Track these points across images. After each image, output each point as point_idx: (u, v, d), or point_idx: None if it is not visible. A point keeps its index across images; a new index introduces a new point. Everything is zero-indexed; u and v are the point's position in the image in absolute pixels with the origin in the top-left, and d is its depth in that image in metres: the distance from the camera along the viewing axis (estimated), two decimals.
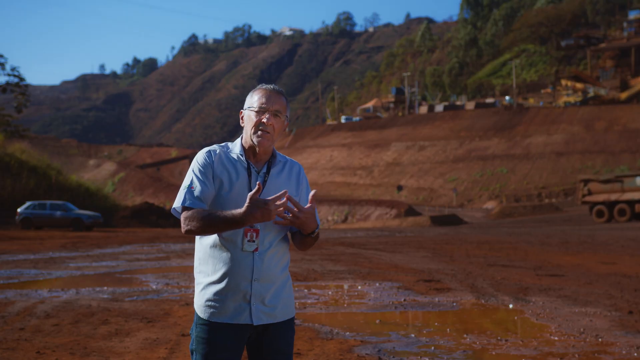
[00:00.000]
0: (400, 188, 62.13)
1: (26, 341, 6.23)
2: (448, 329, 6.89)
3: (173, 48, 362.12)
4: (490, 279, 10.88)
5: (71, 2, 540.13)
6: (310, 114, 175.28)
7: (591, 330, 6.74)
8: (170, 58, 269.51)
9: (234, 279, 2.61)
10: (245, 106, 2.73)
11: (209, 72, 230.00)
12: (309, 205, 2.61)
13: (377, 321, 7.33)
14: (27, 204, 28.89)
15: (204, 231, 2.57)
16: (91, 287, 10.19)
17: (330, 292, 9.59)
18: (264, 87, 2.74)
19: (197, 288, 2.70)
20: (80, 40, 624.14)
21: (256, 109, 2.67)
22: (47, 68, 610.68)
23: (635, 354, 5.73)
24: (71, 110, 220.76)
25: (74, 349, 5.93)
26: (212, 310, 2.63)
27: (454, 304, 8.50)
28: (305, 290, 9.70)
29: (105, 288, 10.09)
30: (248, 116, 2.70)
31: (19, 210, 28.76)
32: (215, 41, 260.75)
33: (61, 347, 6.01)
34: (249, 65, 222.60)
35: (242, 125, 2.73)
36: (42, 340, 6.26)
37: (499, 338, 6.40)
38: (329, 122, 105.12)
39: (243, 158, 2.69)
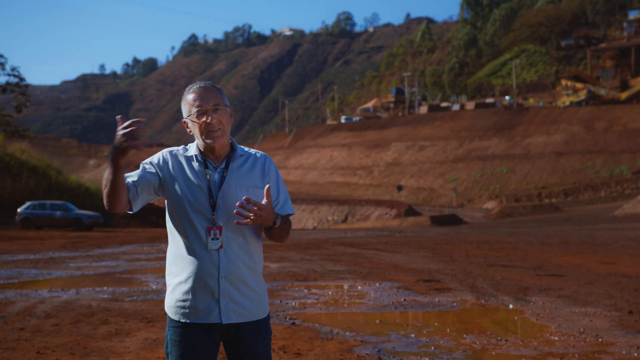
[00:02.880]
0: (400, 188, 62.15)
1: (26, 341, 6.23)
2: (448, 329, 6.89)
3: (173, 48, 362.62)
4: (490, 279, 10.87)
5: (71, 2, 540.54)
6: (310, 114, 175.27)
7: (591, 330, 6.74)
8: (170, 58, 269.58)
9: (200, 278, 2.60)
10: (184, 115, 2.69)
11: (209, 72, 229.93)
12: (265, 200, 2.59)
13: (377, 321, 7.34)
14: (27, 204, 28.85)
15: (109, 196, 2.52)
16: (91, 287, 10.18)
17: (330, 292, 9.58)
18: (191, 89, 2.70)
19: (168, 290, 2.70)
20: (80, 40, 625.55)
21: (196, 114, 2.64)
22: (47, 68, 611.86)
23: (635, 354, 5.73)
24: (71, 110, 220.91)
25: (74, 349, 5.93)
26: (182, 310, 2.63)
27: (454, 304, 8.50)
28: (305, 290, 9.70)
29: (105, 288, 10.08)
30: (192, 124, 2.67)
31: (19, 210, 28.73)
32: (215, 41, 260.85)
33: (61, 347, 6.01)
34: (249, 65, 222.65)
35: (190, 133, 2.70)
36: (42, 340, 6.26)
37: (499, 338, 6.40)
38: (329, 122, 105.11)
39: (200, 157, 2.67)
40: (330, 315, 7.77)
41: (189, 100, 2.67)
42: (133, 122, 2.42)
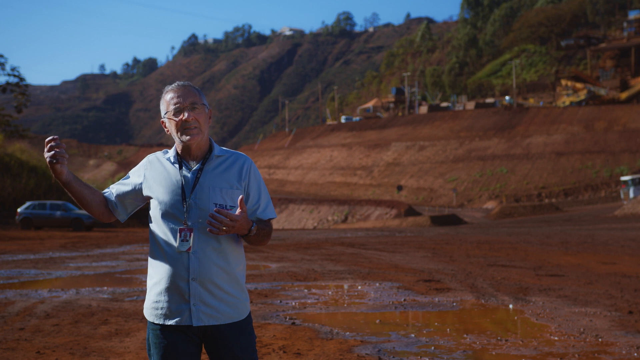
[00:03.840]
0: (400, 188, 62.14)
1: (26, 341, 6.23)
2: (448, 329, 6.89)
3: (173, 48, 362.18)
4: (490, 279, 10.87)
5: (71, 2, 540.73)
6: (310, 114, 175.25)
7: (591, 330, 6.74)
8: (170, 58, 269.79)
9: (172, 279, 2.60)
10: (162, 114, 2.70)
11: (209, 72, 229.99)
12: (238, 211, 2.56)
13: (377, 321, 7.33)
14: (27, 204, 28.86)
15: (79, 204, 2.68)
16: (91, 287, 10.19)
17: (330, 292, 9.58)
18: (169, 87, 2.72)
19: (147, 291, 2.72)
20: (80, 40, 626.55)
21: (172, 112, 2.65)
22: (47, 68, 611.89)
23: (635, 354, 5.73)
24: (71, 110, 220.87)
25: (74, 349, 5.93)
26: (156, 312, 2.63)
27: (454, 304, 8.50)
28: (305, 290, 9.70)
29: (105, 288, 10.09)
30: (169, 122, 2.67)
31: (19, 210, 28.73)
32: (215, 41, 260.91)
33: (61, 347, 6.01)
34: (249, 65, 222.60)
35: (168, 133, 2.71)
36: (42, 340, 6.26)
37: (499, 338, 6.40)
38: (329, 122, 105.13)
39: (176, 158, 2.68)
40: (330, 315, 7.77)
41: (166, 99, 2.68)
42: (48, 141, 2.51)
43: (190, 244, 2.58)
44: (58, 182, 2.60)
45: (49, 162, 2.52)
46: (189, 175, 2.65)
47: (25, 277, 11.73)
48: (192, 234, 2.59)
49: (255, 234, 2.64)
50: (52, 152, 2.50)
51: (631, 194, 42.14)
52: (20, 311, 7.89)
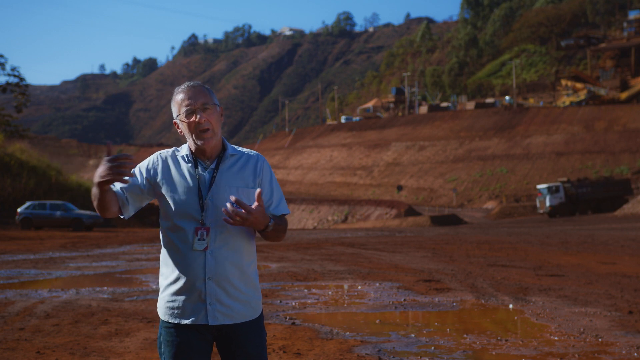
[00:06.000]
0: (400, 188, 62.14)
1: (26, 341, 6.23)
2: (448, 329, 6.88)
3: (173, 48, 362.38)
4: (490, 279, 10.87)
5: (71, 2, 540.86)
6: (310, 114, 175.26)
7: (591, 330, 6.74)
8: (170, 58, 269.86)
9: (188, 279, 2.60)
10: (174, 116, 2.70)
11: (209, 72, 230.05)
12: (255, 204, 2.57)
13: (377, 321, 7.33)
14: (27, 204, 28.85)
15: (98, 209, 2.58)
16: (91, 287, 10.18)
17: (330, 292, 9.58)
18: (180, 89, 2.70)
19: (160, 291, 2.71)
20: (80, 40, 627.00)
21: (185, 114, 2.64)
22: (47, 68, 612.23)
23: (635, 354, 5.73)
24: (71, 110, 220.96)
25: (74, 349, 5.93)
26: (171, 311, 2.63)
27: (454, 304, 8.50)
28: (305, 290, 9.70)
29: (105, 288, 10.09)
30: (182, 124, 2.67)
31: (19, 210, 28.72)
32: (215, 41, 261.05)
33: (61, 347, 6.01)
34: (249, 65, 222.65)
35: (181, 134, 2.70)
36: (42, 340, 6.26)
37: (499, 338, 6.40)
38: (329, 122, 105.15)
39: (191, 157, 2.68)
40: (330, 315, 7.77)
41: (178, 100, 2.67)
42: (121, 157, 2.44)
43: (207, 243, 2.59)
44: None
45: (111, 174, 2.42)
46: (204, 174, 2.66)
47: (25, 277, 11.73)
48: (208, 233, 2.60)
49: (272, 229, 2.66)
50: (120, 170, 2.43)
51: (547, 203, 42.03)
52: (20, 311, 7.89)
